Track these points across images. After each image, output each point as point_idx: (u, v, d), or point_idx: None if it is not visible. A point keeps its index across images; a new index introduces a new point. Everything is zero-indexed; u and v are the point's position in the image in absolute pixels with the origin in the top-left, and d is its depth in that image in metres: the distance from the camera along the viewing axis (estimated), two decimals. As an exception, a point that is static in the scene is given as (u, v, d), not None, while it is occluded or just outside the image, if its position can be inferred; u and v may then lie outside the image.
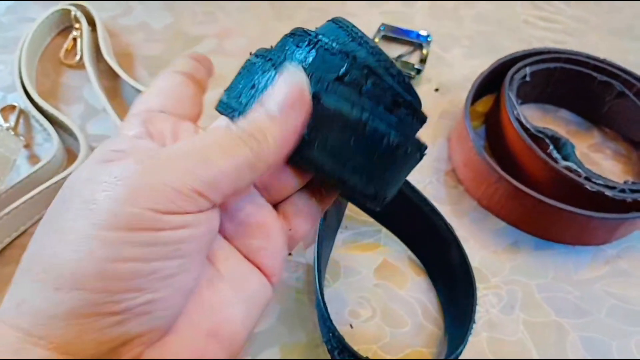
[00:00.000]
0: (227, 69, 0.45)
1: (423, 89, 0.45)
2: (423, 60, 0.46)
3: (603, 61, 0.43)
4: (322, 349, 0.31)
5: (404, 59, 0.46)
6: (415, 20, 0.51)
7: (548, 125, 0.44)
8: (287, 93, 0.20)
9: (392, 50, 0.48)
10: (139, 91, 0.41)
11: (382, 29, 0.48)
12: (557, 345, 0.33)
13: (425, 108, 0.45)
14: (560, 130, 0.44)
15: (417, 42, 0.48)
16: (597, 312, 0.34)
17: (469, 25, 0.51)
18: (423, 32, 0.48)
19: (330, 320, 0.29)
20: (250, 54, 0.23)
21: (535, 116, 0.45)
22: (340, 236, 0.36)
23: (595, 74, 0.42)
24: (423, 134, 0.42)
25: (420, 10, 0.52)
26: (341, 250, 0.36)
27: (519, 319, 0.33)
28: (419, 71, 0.45)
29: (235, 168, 0.19)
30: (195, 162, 0.18)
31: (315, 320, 0.32)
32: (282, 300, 0.33)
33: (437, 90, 0.45)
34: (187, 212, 0.18)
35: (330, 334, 0.29)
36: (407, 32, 0.48)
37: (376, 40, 0.47)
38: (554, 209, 0.34)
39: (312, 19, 0.50)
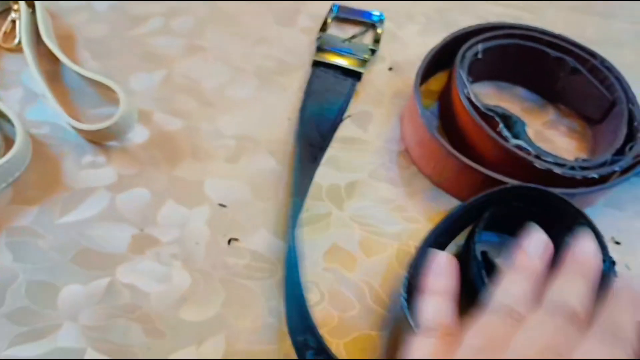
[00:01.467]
0: (174, 49, 0.44)
1: (377, 69, 0.44)
2: (377, 40, 0.45)
3: (558, 37, 0.42)
4: (265, 334, 0.31)
5: (357, 39, 0.45)
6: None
7: (503, 103, 0.43)
8: None
9: (346, 31, 0.46)
10: (79, 74, 0.39)
11: (334, 9, 0.47)
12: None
13: (379, 87, 0.44)
14: (515, 108, 0.43)
15: (370, 22, 0.47)
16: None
17: (424, 1, 0.50)
18: (376, 12, 0.47)
19: (312, 321, 0.29)
20: None
21: (490, 94, 0.44)
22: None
23: (548, 50, 0.41)
24: (376, 114, 0.41)
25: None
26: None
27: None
28: (373, 51, 0.44)
29: None
30: None
31: (263, 305, 0.32)
32: (228, 287, 0.32)
33: (390, 69, 0.44)
34: None
35: (309, 334, 0.29)
36: (360, 13, 0.47)
37: (329, 21, 0.46)
38: (501, 184, 0.34)
39: (265, -3, 0.48)
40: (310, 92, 0.41)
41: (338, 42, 0.44)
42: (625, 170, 0.37)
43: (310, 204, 0.36)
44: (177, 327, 0.31)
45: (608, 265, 0.31)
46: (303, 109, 0.40)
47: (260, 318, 0.32)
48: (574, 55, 0.41)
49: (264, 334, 0.31)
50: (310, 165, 0.37)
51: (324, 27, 0.46)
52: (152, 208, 0.35)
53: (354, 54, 0.43)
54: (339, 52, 0.43)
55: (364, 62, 0.43)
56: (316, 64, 0.43)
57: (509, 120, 0.37)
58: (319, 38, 0.45)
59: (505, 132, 0.36)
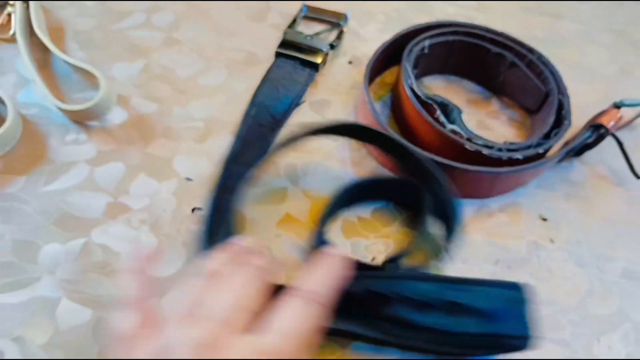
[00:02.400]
0: (153, 42, 0.48)
1: (338, 62, 0.49)
2: (339, 37, 0.49)
3: (500, 34, 0.46)
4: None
5: (321, 35, 0.50)
6: (339, -2, 0.54)
7: (451, 95, 0.47)
8: None
9: (313, 29, 0.51)
10: (66, 62, 0.44)
11: (304, 9, 0.52)
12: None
13: (338, 79, 0.48)
14: (462, 99, 0.47)
15: (335, 21, 0.51)
16: (475, 258, 0.38)
17: (386, 2, 0.54)
18: (342, 12, 0.51)
19: None
20: None
21: (439, 86, 0.48)
22: (251, 191, 0.40)
23: (490, 47, 0.46)
24: (334, 102, 0.46)
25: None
26: (249, 204, 0.39)
27: (403, 264, 0.37)
28: (333, 46, 0.48)
29: None
30: None
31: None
32: (190, 249, 0.37)
33: (350, 63, 0.49)
34: None
35: None
36: (327, 13, 0.51)
37: (297, 19, 0.51)
38: (436, 163, 0.38)
39: (241, -4, 0.53)
40: (267, 79, 0.45)
41: (302, 37, 0.49)
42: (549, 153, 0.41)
43: (268, 179, 0.41)
44: (142, 281, 0.35)
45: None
46: (257, 93, 0.44)
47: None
48: (514, 52, 0.46)
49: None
50: (259, 143, 0.41)
51: (292, 24, 0.50)
52: (125, 180, 0.39)
53: (315, 48, 0.48)
54: (301, 46, 0.48)
55: (323, 56, 0.47)
56: (279, 55, 0.47)
57: (446, 107, 0.41)
58: (285, 32, 0.49)
59: (442, 118, 0.40)
